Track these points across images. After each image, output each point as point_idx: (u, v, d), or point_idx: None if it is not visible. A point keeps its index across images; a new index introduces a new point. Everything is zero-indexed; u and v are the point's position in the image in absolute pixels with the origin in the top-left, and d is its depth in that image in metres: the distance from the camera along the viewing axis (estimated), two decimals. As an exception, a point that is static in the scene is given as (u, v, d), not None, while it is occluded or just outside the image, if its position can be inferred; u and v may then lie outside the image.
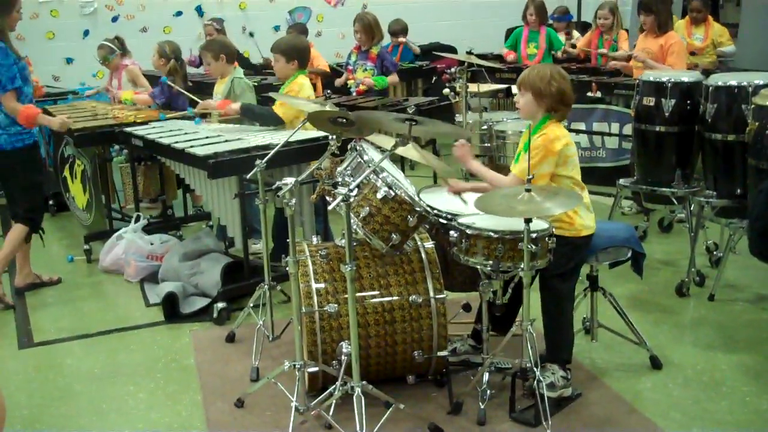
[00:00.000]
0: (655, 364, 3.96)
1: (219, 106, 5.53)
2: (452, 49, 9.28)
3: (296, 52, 5.26)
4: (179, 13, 9.71)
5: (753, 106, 4.35)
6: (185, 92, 6.05)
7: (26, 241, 5.16)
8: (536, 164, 3.51)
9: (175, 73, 6.33)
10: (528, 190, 3.27)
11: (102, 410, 3.77)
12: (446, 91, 6.41)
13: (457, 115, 6.39)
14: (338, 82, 7.30)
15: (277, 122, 5.20)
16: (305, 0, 10.24)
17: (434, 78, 8.85)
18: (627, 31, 7.84)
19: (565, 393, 3.60)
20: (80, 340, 4.54)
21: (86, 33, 9.36)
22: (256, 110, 5.37)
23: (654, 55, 5.80)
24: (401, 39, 8.97)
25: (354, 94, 6.96)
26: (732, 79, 4.64)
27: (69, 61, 9.31)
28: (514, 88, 6.85)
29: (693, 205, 4.99)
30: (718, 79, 4.69)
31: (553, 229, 3.49)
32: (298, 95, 5.04)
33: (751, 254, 1.91)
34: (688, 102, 4.83)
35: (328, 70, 7.67)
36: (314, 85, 6.32)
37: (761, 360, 3.99)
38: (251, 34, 8.90)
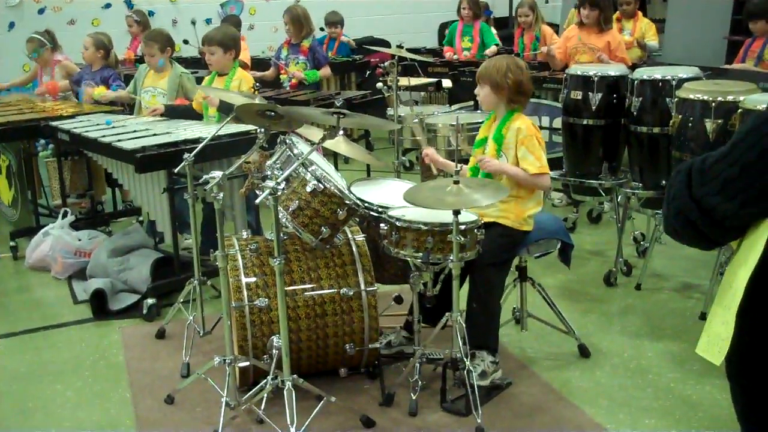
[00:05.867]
0: (584, 352, 4.03)
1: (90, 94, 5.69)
2: (385, 43, 9.29)
3: (233, 42, 5.21)
4: (108, 5, 9.55)
5: (676, 99, 4.44)
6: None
7: None
8: (541, 155, 3.64)
9: (116, 65, 6.21)
10: (456, 182, 3.29)
11: (28, 409, 3.69)
12: (379, 84, 6.43)
13: (388, 108, 6.41)
14: (268, 75, 7.20)
15: (198, 118, 5.22)
16: (237, -8, 10.19)
17: (368, 72, 8.86)
18: (556, 26, 7.95)
19: (496, 377, 3.64)
20: (5, 339, 4.44)
21: (11, 25, 9.15)
22: (178, 110, 5.37)
23: (600, 52, 5.92)
24: (341, 36, 8.94)
25: (288, 88, 6.91)
26: (656, 73, 4.73)
27: (-6, 54, 9.09)
28: (445, 82, 6.97)
29: (620, 197, 5.09)
30: (643, 73, 4.77)
31: (500, 220, 3.63)
32: (241, 87, 5.00)
33: (665, 233, 1.97)
34: (615, 95, 4.90)
35: (249, 64, 7.58)
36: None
37: (686, 347, 4.07)
38: (193, 22, 8.80)
